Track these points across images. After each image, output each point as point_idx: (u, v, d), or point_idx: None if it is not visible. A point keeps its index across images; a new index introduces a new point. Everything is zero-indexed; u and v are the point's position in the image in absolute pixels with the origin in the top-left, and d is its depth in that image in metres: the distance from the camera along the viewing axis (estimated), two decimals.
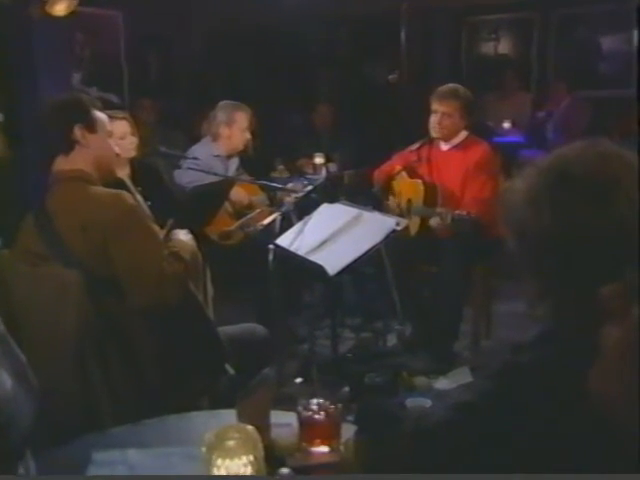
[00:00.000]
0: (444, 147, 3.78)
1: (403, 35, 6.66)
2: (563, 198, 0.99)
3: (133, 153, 3.20)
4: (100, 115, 2.21)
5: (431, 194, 3.66)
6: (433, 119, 3.69)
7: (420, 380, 3.37)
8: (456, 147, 3.74)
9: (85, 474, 1.49)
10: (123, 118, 3.18)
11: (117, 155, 2.41)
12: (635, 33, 6.02)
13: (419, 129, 3.86)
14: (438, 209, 3.48)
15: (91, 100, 2.27)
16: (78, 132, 2.12)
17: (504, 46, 7.21)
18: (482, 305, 3.86)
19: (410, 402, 1.73)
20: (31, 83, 4.62)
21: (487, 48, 7.29)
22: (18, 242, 2.16)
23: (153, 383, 2.09)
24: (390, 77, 7.35)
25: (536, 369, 1.00)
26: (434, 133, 3.73)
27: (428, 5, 6.59)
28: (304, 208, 3.16)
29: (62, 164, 2.14)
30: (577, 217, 0.97)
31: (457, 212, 3.31)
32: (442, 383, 3.32)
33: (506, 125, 6.18)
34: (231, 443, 1.38)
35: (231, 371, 2.25)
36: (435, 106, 3.68)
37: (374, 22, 6.84)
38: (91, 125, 2.15)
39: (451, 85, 3.74)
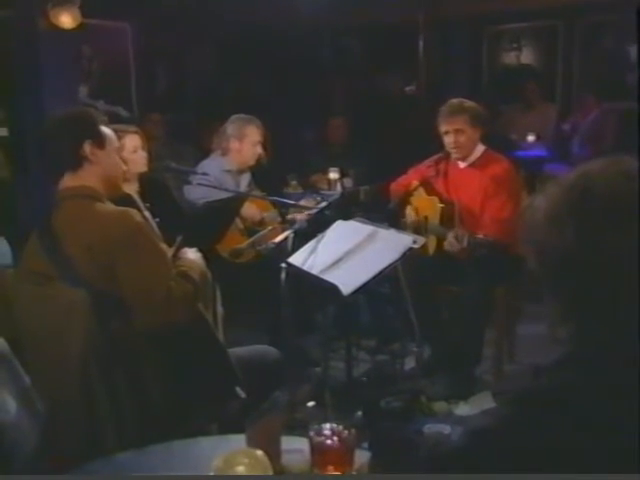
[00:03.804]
0: (461, 165, 3.66)
1: (421, 45, 6.59)
2: (585, 217, 0.98)
3: (144, 168, 3.18)
4: (108, 130, 2.20)
5: (448, 213, 3.56)
6: (448, 140, 3.58)
7: (439, 405, 3.29)
8: (473, 165, 3.62)
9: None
10: (135, 132, 3.18)
11: (125, 171, 2.38)
12: None
13: (437, 143, 3.74)
14: (454, 231, 3.35)
15: (98, 115, 2.25)
16: (87, 148, 2.10)
17: (527, 56, 7.07)
18: (505, 326, 3.75)
19: (428, 428, 1.66)
20: (36, 97, 4.63)
21: (509, 58, 7.18)
22: (23, 261, 2.15)
23: (161, 407, 2.05)
24: (407, 89, 7.30)
25: (556, 393, 0.97)
26: (454, 154, 3.63)
27: (447, 14, 6.48)
28: (318, 225, 3.10)
29: (69, 181, 2.11)
30: (600, 236, 0.96)
31: (474, 234, 3.19)
32: (463, 409, 3.25)
33: (530, 138, 6.03)
34: (240, 468, 1.36)
35: (242, 395, 2.21)
36: (445, 127, 3.56)
37: (390, 32, 6.78)
38: (100, 141, 2.13)
39: (454, 101, 3.62)
